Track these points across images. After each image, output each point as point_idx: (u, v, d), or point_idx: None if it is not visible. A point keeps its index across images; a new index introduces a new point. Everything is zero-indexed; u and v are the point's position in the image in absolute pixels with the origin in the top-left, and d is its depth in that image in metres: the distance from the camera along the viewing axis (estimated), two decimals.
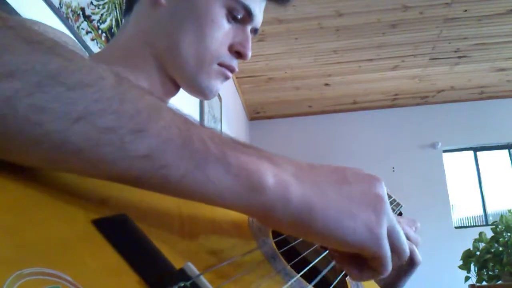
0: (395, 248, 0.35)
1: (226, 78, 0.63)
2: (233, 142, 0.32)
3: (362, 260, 0.35)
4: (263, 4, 0.63)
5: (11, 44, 0.24)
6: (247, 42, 0.61)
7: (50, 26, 0.54)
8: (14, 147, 0.25)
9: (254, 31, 0.64)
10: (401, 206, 0.92)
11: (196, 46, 0.58)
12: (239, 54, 0.62)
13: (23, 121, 0.23)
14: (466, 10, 3.17)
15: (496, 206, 4.66)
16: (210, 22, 0.58)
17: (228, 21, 0.60)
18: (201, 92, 0.62)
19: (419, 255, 0.55)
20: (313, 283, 0.41)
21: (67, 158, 0.26)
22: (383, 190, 0.35)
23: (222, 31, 0.59)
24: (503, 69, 4.16)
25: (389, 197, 0.89)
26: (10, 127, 0.23)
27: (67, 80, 0.25)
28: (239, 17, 0.60)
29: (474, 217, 4.76)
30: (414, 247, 0.55)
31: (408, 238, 0.54)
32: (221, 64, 0.61)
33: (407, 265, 0.55)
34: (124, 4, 0.65)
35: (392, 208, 0.87)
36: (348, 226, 0.32)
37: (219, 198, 0.29)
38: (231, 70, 0.62)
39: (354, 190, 0.34)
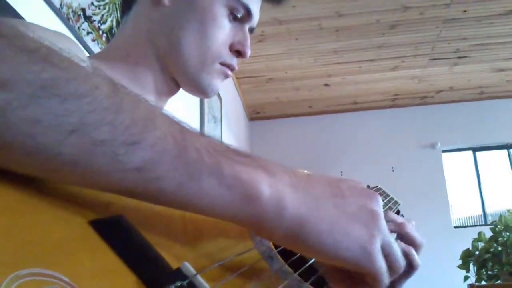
0: (390, 264, 0.35)
1: (226, 76, 0.64)
2: (229, 151, 0.31)
3: (358, 276, 0.35)
4: (259, 4, 0.64)
5: (3, 53, 0.24)
6: (247, 41, 0.62)
7: (46, 28, 0.53)
8: (7, 158, 0.25)
9: (251, 30, 0.65)
10: (399, 204, 0.93)
11: (198, 45, 0.59)
12: (239, 53, 0.63)
13: (16, 133, 0.23)
14: (465, 11, 3.17)
15: (495, 206, 4.65)
16: (212, 21, 0.59)
17: (229, 20, 0.61)
18: (203, 91, 0.62)
19: (418, 259, 0.54)
20: (310, 281, 0.42)
21: (61, 170, 0.26)
22: (379, 206, 0.35)
23: (224, 31, 0.60)
24: (502, 70, 4.16)
25: (387, 195, 0.89)
26: (3, 139, 0.23)
27: (61, 91, 0.24)
28: (239, 16, 0.61)
29: (473, 217, 4.75)
30: (413, 250, 0.53)
31: (413, 241, 0.53)
32: (222, 63, 0.62)
33: (406, 268, 0.54)
34: (122, 4, 0.66)
35: (389, 206, 0.87)
36: (341, 241, 0.31)
37: (213, 209, 0.29)
38: (232, 69, 0.63)
39: (348, 205, 0.33)
